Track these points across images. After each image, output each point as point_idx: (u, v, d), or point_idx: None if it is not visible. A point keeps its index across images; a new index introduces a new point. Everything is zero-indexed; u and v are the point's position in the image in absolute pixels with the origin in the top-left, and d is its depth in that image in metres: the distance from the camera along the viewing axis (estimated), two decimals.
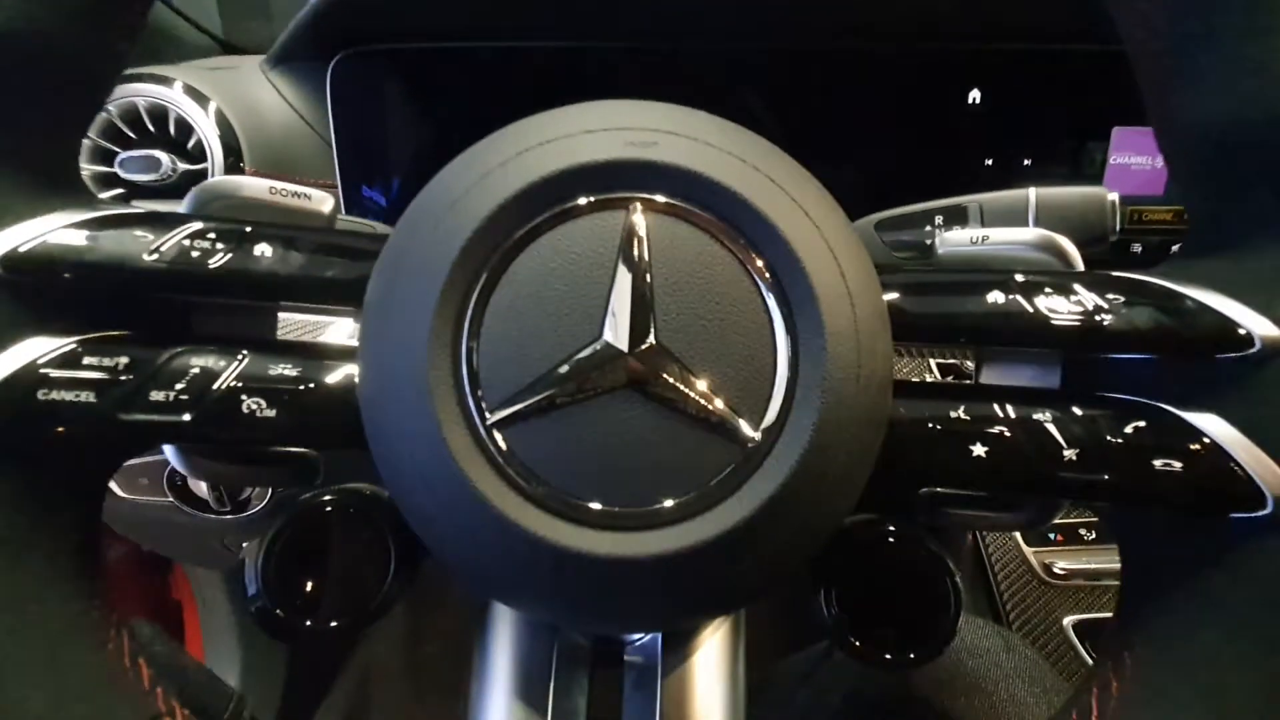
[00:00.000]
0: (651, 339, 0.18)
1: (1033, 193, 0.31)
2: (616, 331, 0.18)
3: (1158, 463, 0.20)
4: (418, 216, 0.20)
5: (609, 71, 0.50)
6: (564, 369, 0.18)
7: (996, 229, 0.26)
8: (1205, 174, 0.21)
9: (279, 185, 0.25)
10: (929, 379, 0.48)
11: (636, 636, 0.24)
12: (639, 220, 0.18)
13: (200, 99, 0.50)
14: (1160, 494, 0.20)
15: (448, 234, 0.18)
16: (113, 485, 0.52)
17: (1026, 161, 0.52)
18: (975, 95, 0.51)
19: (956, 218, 0.33)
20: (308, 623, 0.22)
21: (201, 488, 0.50)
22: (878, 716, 0.30)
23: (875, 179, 0.51)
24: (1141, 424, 0.20)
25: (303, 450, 0.29)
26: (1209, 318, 0.20)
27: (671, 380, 0.18)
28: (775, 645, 0.49)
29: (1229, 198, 0.21)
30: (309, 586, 0.23)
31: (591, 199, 0.18)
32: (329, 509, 0.24)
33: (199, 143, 0.49)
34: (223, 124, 0.50)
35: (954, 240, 0.25)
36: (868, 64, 0.50)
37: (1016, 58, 0.50)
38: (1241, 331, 0.20)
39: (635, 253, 0.18)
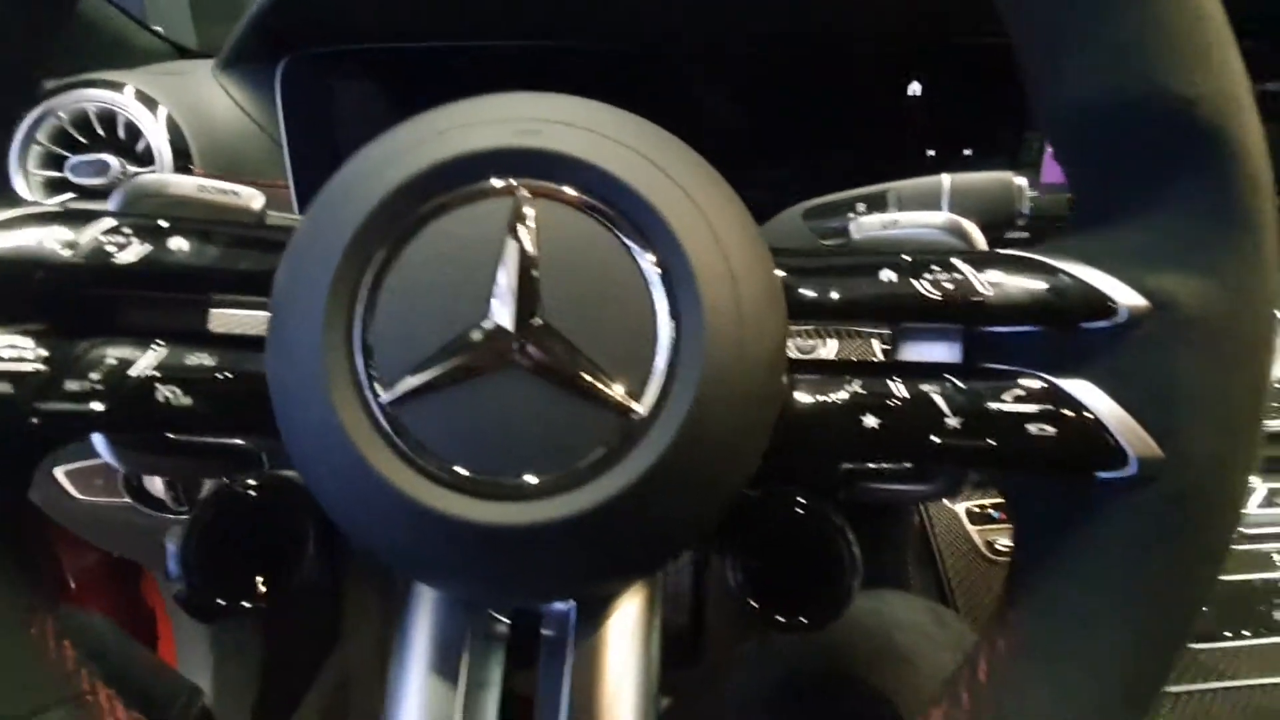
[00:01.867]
0: (538, 319, 0.19)
1: (946, 179, 0.32)
2: (504, 312, 0.19)
3: (1032, 428, 0.21)
4: (318, 207, 0.20)
5: (558, 71, 0.51)
6: (454, 348, 0.19)
7: (906, 213, 0.27)
8: (1079, 154, 0.23)
9: (207, 183, 0.26)
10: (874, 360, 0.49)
11: (553, 611, 0.25)
12: (524, 205, 0.19)
13: (150, 103, 0.50)
14: (1034, 456, 0.21)
15: (342, 222, 0.19)
16: (68, 487, 0.53)
17: (967, 152, 0.53)
18: (915, 88, 0.52)
19: (877, 204, 0.34)
20: (220, 601, 0.23)
21: (157, 486, 0.50)
22: (810, 694, 0.31)
23: (819, 172, 0.52)
24: (1019, 392, 0.22)
25: (237, 441, 0.29)
26: (1080, 290, 0.21)
27: (557, 358, 0.19)
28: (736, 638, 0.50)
29: (1101, 177, 0.22)
30: (229, 569, 0.23)
31: (479, 186, 0.19)
32: (251, 494, 0.24)
33: (148, 147, 0.50)
34: (172, 128, 0.50)
35: (867, 225, 0.26)
36: (810, 59, 0.51)
37: (954, 51, 0.51)
38: (1109, 302, 0.21)
39: (521, 236, 0.19)
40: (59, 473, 0.51)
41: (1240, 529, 0.54)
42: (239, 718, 0.83)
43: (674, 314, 0.19)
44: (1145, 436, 0.20)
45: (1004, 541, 0.47)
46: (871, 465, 0.29)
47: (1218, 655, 0.45)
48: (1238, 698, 0.45)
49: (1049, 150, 0.53)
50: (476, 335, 0.19)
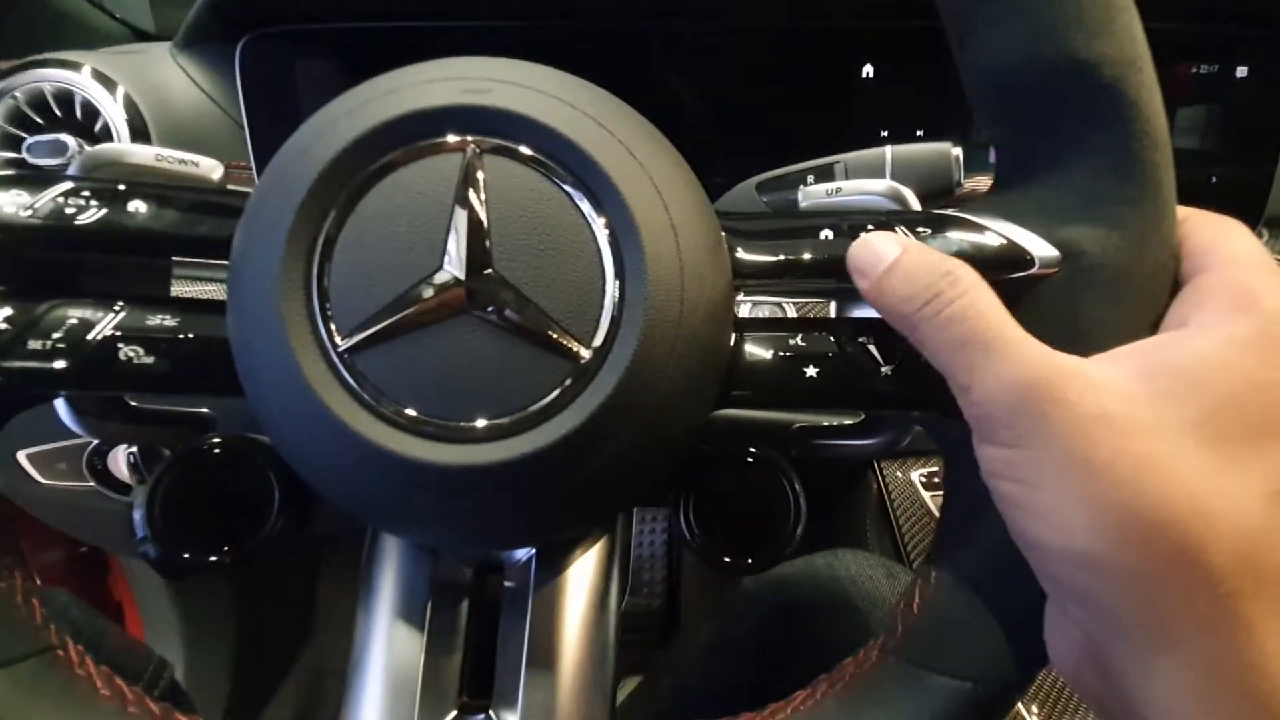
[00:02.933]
0: (489, 268, 0.20)
1: (889, 150, 0.34)
2: (456, 262, 0.19)
3: None
4: (274, 167, 0.21)
5: (517, 50, 0.51)
6: (409, 297, 0.19)
7: (849, 182, 0.28)
8: (1000, 118, 0.24)
9: (165, 152, 0.26)
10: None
11: (514, 561, 0.26)
12: (474, 160, 0.20)
13: (108, 83, 0.50)
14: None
15: (297, 178, 0.20)
16: (31, 470, 0.52)
17: (919, 132, 0.55)
18: (868, 70, 0.53)
19: (825, 175, 0.35)
20: (186, 557, 0.24)
21: (121, 469, 0.50)
22: (771, 645, 0.33)
23: (776, 154, 0.54)
24: None
25: (196, 410, 0.30)
26: (999, 243, 0.23)
27: (507, 305, 0.20)
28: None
29: (1018, 138, 0.24)
30: (194, 526, 0.24)
31: (431, 142, 0.20)
32: (214, 452, 0.25)
33: (105, 126, 0.49)
34: (130, 108, 0.50)
35: (813, 194, 0.28)
36: (767, 45, 0.53)
37: (905, 34, 0.53)
38: (1025, 254, 0.22)
39: (471, 190, 0.20)
40: (21, 456, 0.51)
41: None
42: (212, 709, 0.83)
43: (617, 263, 0.20)
44: None
45: None
46: (819, 424, 0.30)
47: None
48: None
49: None
50: (430, 286, 0.20)
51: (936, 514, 0.53)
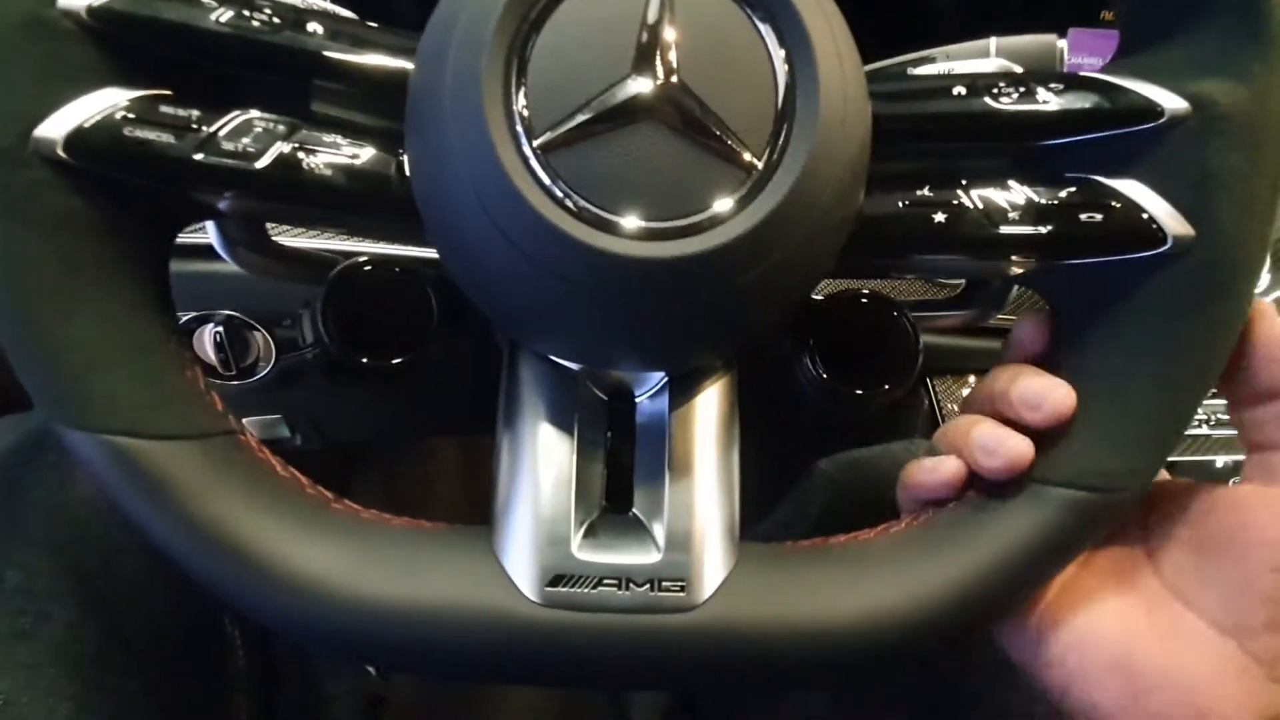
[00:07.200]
0: (674, 79, 0.21)
1: (993, 41, 0.35)
2: (644, 70, 0.21)
3: (1083, 217, 0.24)
4: None
5: None
6: (599, 100, 0.21)
7: (961, 62, 0.29)
8: None
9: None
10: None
11: (648, 390, 0.28)
12: None
13: None
14: (1083, 241, 0.24)
15: None
16: None
17: None
18: None
19: (928, 65, 0.37)
20: (364, 359, 0.25)
21: (207, 350, 0.52)
22: (843, 519, 0.35)
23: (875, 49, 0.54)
24: (1072, 189, 0.25)
25: (338, 251, 0.31)
26: (1128, 98, 0.24)
27: (689, 114, 0.21)
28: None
29: (1151, 4, 0.25)
30: (362, 330, 0.26)
31: None
32: (372, 269, 0.27)
33: None
34: None
35: (923, 75, 0.29)
36: None
37: None
38: (1155, 107, 0.24)
39: (664, 6, 0.21)
40: None
41: (1218, 414, 0.58)
42: None
43: (790, 88, 0.22)
44: (1180, 218, 0.24)
45: None
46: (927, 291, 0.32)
47: None
48: None
49: (1069, 61, 0.56)
50: (620, 91, 0.21)
51: None
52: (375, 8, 0.25)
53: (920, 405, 0.55)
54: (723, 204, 0.21)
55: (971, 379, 0.56)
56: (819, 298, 0.30)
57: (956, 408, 0.57)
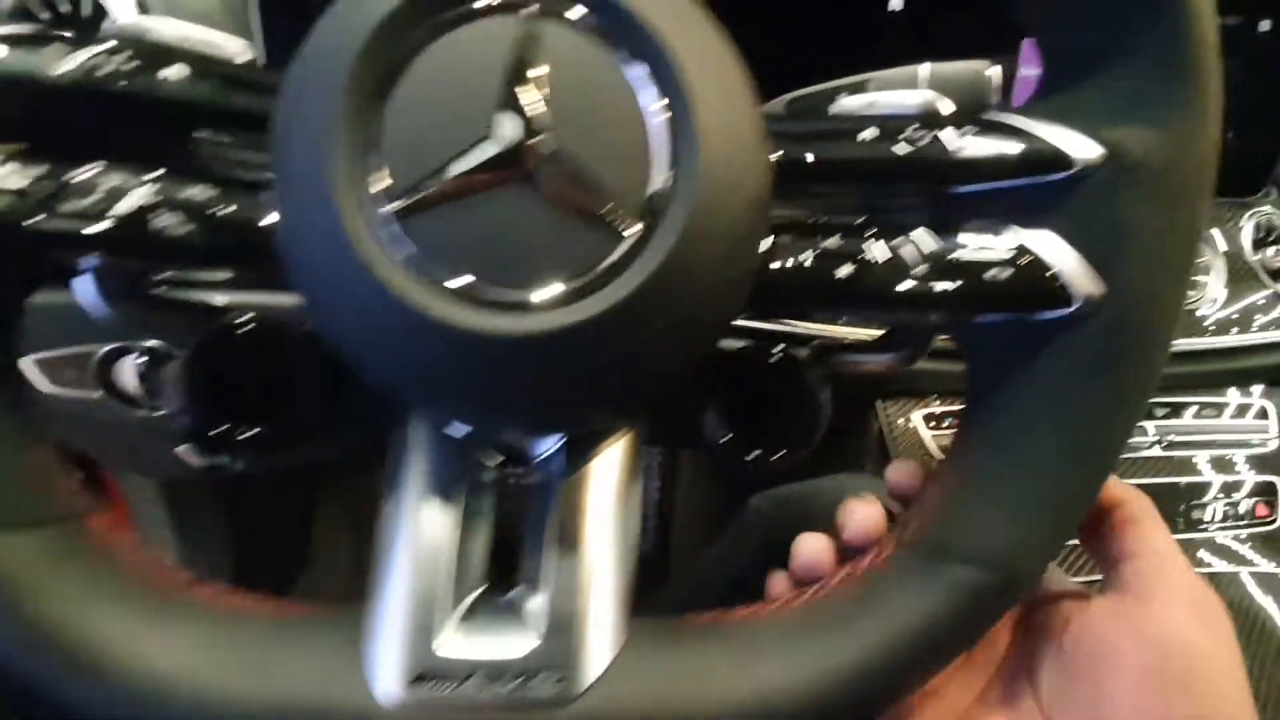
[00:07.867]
0: (541, 139, 0.19)
1: (924, 67, 0.33)
2: (508, 131, 0.19)
3: (987, 276, 0.23)
4: (321, 30, 0.21)
5: None
6: (458, 163, 0.19)
7: (885, 94, 0.28)
8: (1048, 24, 0.24)
9: (190, 28, 0.26)
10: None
11: (540, 453, 0.26)
12: (532, 26, 0.19)
13: None
14: (988, 299, 0.23)
15: (349, 36, 0.19)
16: (38, 377, 0.52)
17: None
18: (896, 3, 0.53)
19: (858, 93, 0.35)
20: (222, 429, 0.24)
21: (130, 379, 0.50)
22: (779, 560, 0.34)
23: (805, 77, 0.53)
24: (979, 241, 0.23)
25: (217, 304, 0.29)
26: (1038, 145, 0.23)
27: (559, 177, 0.19)
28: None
29: (1065, 43, 0.24)
30: (228, 400, 0.24)
31: (488, 3, 0.20)
32: (246, 331, 0.25)
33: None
34: None
35: (848, 106, 0.27)
36: None
37: None
38: (1067, 154, 0.22)
39: (528, 56, 0.19)
40: (28, 362, 0.50)
41: (1170, 437, 0.58)
42: None
43: (673, 149, 0.20)
44: (1092, 274, 0.22)
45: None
46: (838, 340, 0.31)
47: None
48: None
49: (1021, 73, 0.55)
50: (481, 153, 0.19)
51: (936, 453, 0.54)
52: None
53: (868, 431, 0.54)
54: (591, 273, 0.20)
55: (937, 401, 0.55)
56: (733, 344, 0.28)
57: (913, 426, 0.56)
